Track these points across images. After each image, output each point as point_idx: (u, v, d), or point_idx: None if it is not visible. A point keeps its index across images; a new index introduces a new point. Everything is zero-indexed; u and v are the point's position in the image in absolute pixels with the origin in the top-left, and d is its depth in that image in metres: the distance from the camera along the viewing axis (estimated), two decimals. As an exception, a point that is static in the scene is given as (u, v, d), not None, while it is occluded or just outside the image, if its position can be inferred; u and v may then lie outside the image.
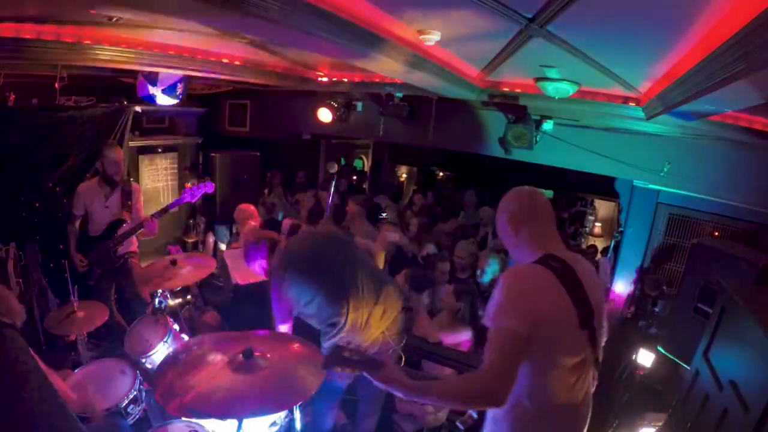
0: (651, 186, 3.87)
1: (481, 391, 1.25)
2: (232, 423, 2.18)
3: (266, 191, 5.81)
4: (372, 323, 2.28)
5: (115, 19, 2.29)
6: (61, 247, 3.58)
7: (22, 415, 0.82)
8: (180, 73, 4.40)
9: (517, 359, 1.27)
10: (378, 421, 2.70)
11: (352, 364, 1.39)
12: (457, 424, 2.46)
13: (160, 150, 5.07)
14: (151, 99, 4.61)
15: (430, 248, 4.21)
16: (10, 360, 0.85)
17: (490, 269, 3.58)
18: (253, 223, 3.94)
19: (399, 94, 4.51)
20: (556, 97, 2.90)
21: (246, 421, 1.92)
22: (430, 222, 4.96)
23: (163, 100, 4.67)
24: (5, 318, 0.90)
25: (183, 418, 2.14)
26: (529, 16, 1.76)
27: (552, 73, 2.71)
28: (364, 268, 2.33)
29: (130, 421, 2.40)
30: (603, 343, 1.51)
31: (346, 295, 2.22)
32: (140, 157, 4.86)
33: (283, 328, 2.33)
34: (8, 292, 2.03)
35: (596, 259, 5.09)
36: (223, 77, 4.17)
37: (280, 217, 4.79)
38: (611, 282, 4.31)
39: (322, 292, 2.23)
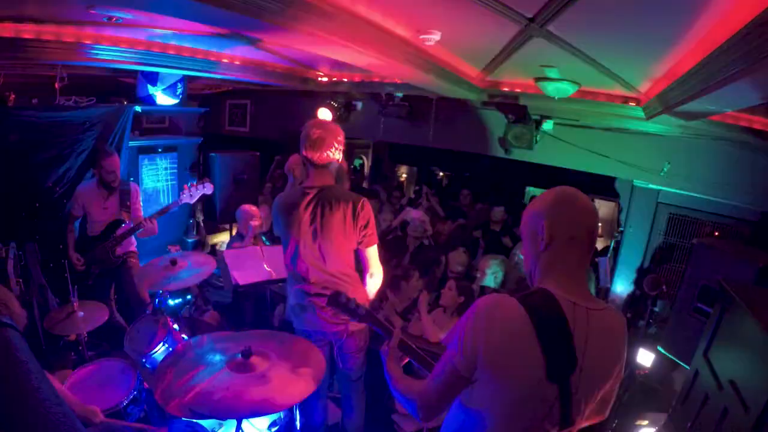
0: (651, 186, 3.87)
1: (413, 408, 1.32)
2: (231, 423, 2.18)
3: (259, 198, 5.82)
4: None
5: (115, 19, 2.29)
6: (61, 247, 3.58)
7: (21, 415, 0.82)
8: (180, 73, 4.41)
9: (450, 391, 1.25)
10: (378, 421, 2.70)
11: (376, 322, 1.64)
12: None
13: (160, 150, 5.07)
14: (151, 99, 4.61)
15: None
16: (8, 360, 0.85)
17: (491, 271, 3.59)
18: (254, 223, 3.94)
19: (399, 94, 4.51)
20: (556, 97, 2.90)
21: (246, 421, 1.92)
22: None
23: (163, 100, 4.67)
24: (5, 318, 0.90)
25: (183, 418, 2.14)
26: (529, 16, 1.76)
27: (552, 73, 2.71)
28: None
29: (130, 421, 2.40)
30: (587, 416, 1.25)
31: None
32: (140, 156, 4.86)
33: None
34: (11, 295, 2.02)
35: (596, 259, 5.08)
36: (222, 77, 4.17)
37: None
38: (611, 282, 4.31)
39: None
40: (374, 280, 2.36)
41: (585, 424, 1.35)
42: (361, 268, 2.37)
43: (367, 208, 2.26)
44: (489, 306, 1.19)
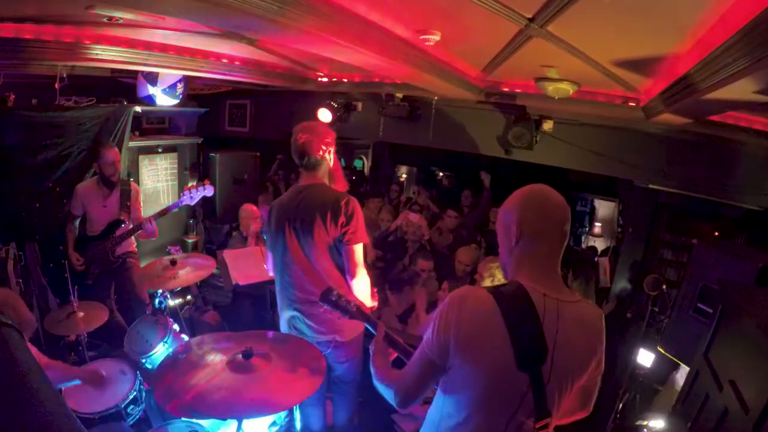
0: (651, 186, 3.87)
1: (391, 395, 1.38)
2: (232, 423, 2.19)
3: (259, 198, 5.82)
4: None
5: (115, 19, 2.29)
6: (61, 247, 3.59)
7: (20, 416, 0.81)
8: (180, 73, 4.40)
9: (425, 378, 1.31)
10: (378, 421, 2.69)
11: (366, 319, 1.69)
12: None
13: (160, 150, 5.07)
14: (151, 99, 4.61)
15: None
16: (7, 360, 0.85)
17: (488, 274, 3.57)
18: (255, 223, 3.94)
19: (399, 95, 4.51)
20: (556, 97, 2.90)
21: (246, 421, 1.92)
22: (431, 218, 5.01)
23: (163, 100, 4.67)
24: (6, 318, 0.90)
25: (183, 418, 2.14)
26: (529, 16, 1.76)
27: (552, 73, 2.71)
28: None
29: (130, 421, 2.40)
30: (568, 410, 1.30)
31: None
32: (140, 157, 4.85)
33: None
34: (20, 300, 2.04)
35: (596, 259, 5.08)
36: (222, 77, 4.17)
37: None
38: (611, 282, 4.31)
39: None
40: (356, 282, 2.20)
41: (569, 419, 1.38)
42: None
43: (350, 206, 2.17)
44: (460, 296, 1.25)
